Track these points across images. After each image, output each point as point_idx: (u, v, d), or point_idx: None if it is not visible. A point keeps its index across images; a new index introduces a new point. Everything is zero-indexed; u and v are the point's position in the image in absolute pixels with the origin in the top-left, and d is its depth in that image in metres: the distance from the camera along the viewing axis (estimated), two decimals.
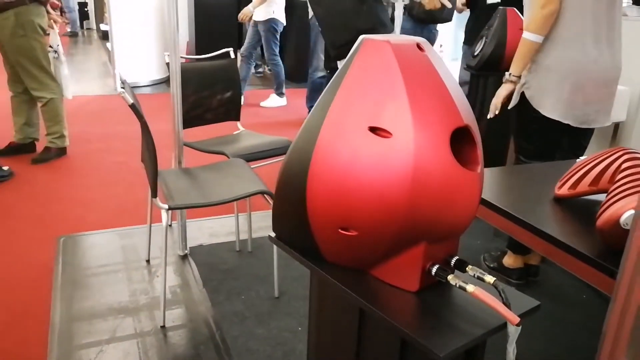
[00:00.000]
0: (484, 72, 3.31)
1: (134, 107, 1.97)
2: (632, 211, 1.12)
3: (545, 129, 2.23)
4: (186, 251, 2.76)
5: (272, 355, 2.05)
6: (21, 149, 3.93)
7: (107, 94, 6.08)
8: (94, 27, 11.44)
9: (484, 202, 1.50)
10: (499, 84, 2.40)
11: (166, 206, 2.14)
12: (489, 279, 0.84)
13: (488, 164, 3.18)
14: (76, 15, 10.73)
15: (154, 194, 2.13)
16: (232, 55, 3.08)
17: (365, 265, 0.93)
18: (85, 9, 11.34)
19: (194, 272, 2.61)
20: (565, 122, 2.17)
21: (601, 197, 1.32)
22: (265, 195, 2.25)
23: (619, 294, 0.61)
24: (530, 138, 2.32)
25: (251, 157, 2.77)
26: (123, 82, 2.33)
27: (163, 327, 2.20)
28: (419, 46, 0.85)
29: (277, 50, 5.66)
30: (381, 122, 0.80)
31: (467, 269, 0.87)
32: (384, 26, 2.99)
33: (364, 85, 0.83)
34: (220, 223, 3.10)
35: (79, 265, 2.61)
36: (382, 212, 0.81)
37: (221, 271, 2.61)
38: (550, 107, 2.18)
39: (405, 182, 0.79)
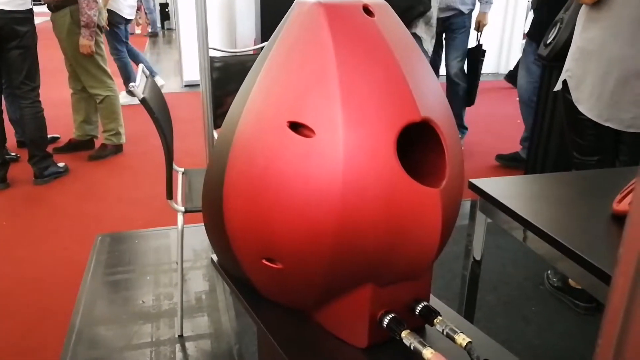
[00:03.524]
0: (558, 63, 2.92)
1: (144, 102, 1.84)
2: None
3: (594, 125, 1.88)
4: None
5: None
6: (80, 146, 3.99)
7: (173, 92, 6.14)
8: (174, 27, 11.78)
9: (517, 217, 1.21)
10: None
11: (182, 208, 2.00)
12: (461, 339, 0.58)
13: (560, 166, 2.80)
14: (156, 15, 11.07)
15: (169, 195, 1.99)
16: None
17: (305, 307, 0.71)
18: (167, 10, 11.67)
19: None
20: (605, 124, 1.81)
21: None
22: None
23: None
24: (580, 133, 1.98)
25: None
26: (147, 75, 2.22)
27: (181, 336, 2.06)
28: (367, 9, 0.61)
29: None
30: (303, 116, 0.57)
31: (435, 321, 0.62)
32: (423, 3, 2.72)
33: (289, 64, 0.61)
34: None
35: (110, 265, 2.55)
36: (307, 237, 0.58)
37: None
38: (588, 104, 1.85)
39: (332, 198, 0.56)
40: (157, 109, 1.95)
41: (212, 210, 0.70)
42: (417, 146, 0.59)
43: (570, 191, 1.38)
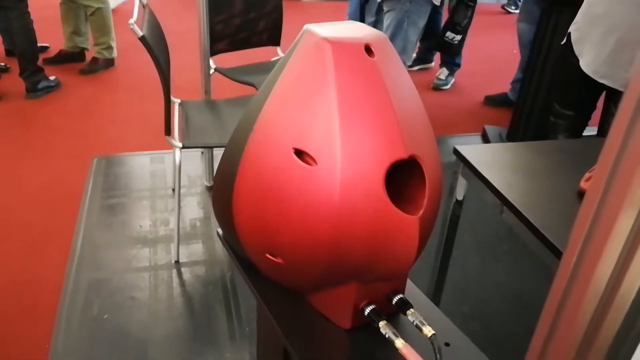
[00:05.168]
0: (557, 6, 2.92)
1: (144, 40, 1.86)
2: None
3: (585, 81, 1.97)
4: (213, 182, 2.73)
5: None
6: (71, 57, 3.95)
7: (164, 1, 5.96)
8: None
9: (492, 187, 1.33)
10: (571, 22, 2.11)
11: (180, 144, 2.08)
12: (427, 331, 0.71)
13: (544, 133, 2.85)
14: None
15: (167, 131, 2.07)
16: None
17: (300, 291, 0.83)
18: None
19: None
20: (601, 81, 1.90)
21: None
22: None
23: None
24: (568, 86, 2.12)
25: None
26: (144, 4, 2.21)
27: (177, 262, 2.22)
28: (368, 48, 0.68)
29: None
30: (307, 146, 0.66)
31: (407, 312, 0.75)
32: None
33: (296, 92, 0.68)
34: None
35: (107, 189, 2.66)
36: (306, 246, 0.69)
37: None
38: (588, 59, 1.94)
39: (330, 219, 0.66)
40: (154, 41, 1.96)
41: (223, 205, 0.80)
42: (403, 173, 0.69)
43: (547, 162, 1.49)
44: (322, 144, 0.65)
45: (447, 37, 3.66)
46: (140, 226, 2.41)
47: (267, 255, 0.75)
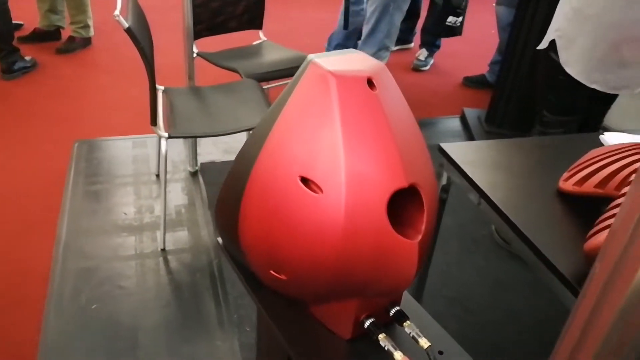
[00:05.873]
0: None
1: (130, 32, 1.84)
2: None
3: (574, 84, 1.95)
4: (197, 167, 2.74)
5: None
6: (46, 36, 3.87)
7: None
8: None
9: (476, 187, 1.38)
10: (553, 8, 2.06)
11: (166, 134, 2.08)
12: (424, 342, 0.76)
13: (523, 116, 2.88)
14: None
15: (153, 121, 2.07)
16: None
17: (303, 301, 0.87)
18: None
19: (202, 191, 2.61)
20: (592, 86, 1.90)
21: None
22: None
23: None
24: (556, 91, 2.06)
25: (266, 76, 2.63)
26: None
27: (163, 250, 2.25)
28: (370, 81, 0.71)
29: None
30: (313, 174, 0.69)
31: (404, 324, 0.80)
32: None
33: (302, 123, 0.72)
34: (235, 138, 3.02)
35: (90, 174, 2.65)
36: (310, 267, 0.73)
37: None
38: (578, 66, 1.89)
39: (334, 244, 0.70)
40: (139, 31, 1.95)
41: (228, 221, 0.83)
42: (402, 197, 0.73)
43: (528, 160, 1.54)
44: (327, 173, 0.69)
45: (450, 22, 3.69)
46: (125, 213, 2.42)
47: (272, 272, 0.79)
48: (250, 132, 2.29)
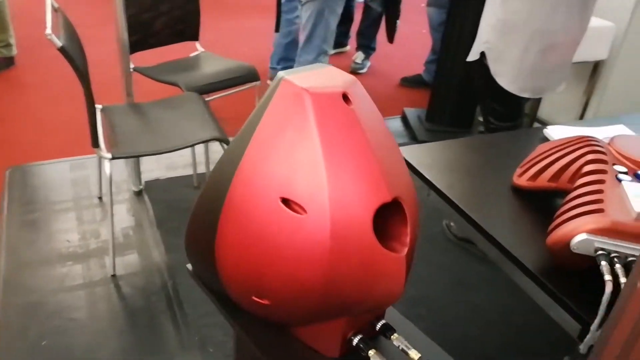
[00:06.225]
0: None
1: (64, 51, 1.75)
2: (584, 235, 1.04)
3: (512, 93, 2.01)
4: (141, 186, 2.65)
5: None
6: None
7: None
8: None
9: (436, 190, 1.40)
10: (481, 9, 2.11)
11: (109, 155, 1.99)
12: (414, 354, 0.76)
13: (462, 112, 2.97)
14: None
15: (95, 143, 1.97)
16: None
17: (284, 325, 0.85)
18: None
19: (149, 211, 2.52)
20: (523, 95, 1.94)
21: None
22: (221, 142, 2.11)
23: None
24: (500, 99, 2.05)
25: (208, 88, 2.58)
26: (56, 8, 2.08)
27: (114, 276, 2.15)
28: (345, 97, 0.70)
29: None
30: (294, 195, 0.67)
31: (392, 337, 0.79)
32: None
33: (278, 143, 0.69)
34: (179, 153, 2.91)
35: (26, 202, 2.50)
36: (296, 290, 0.71)
37: (177, 210, 2.53)
38: (509, 77, 1.93)
39: (321, 265, 0.68)
40: (73, 50, 1.85)
41: (202, 250, 0.80)
42: (384, 211, 0.72)
43: (480, 158, 1.58)
44: (310, 193, 0.67)
45: (396, 24, 3.77)
46: (69, 241, 2.30)
47: (254, 298, 0.76)
48: (194, 146, 2.24)
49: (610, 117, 1.80)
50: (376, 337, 0.84)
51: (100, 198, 2.56)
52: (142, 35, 2.60)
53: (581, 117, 3.14)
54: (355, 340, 0.79)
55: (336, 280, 0.69)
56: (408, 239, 0.72)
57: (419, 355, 0.76)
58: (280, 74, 0.72)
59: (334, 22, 3.04)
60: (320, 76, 0.73)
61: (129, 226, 2.41)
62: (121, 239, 2.33)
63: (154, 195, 2.61)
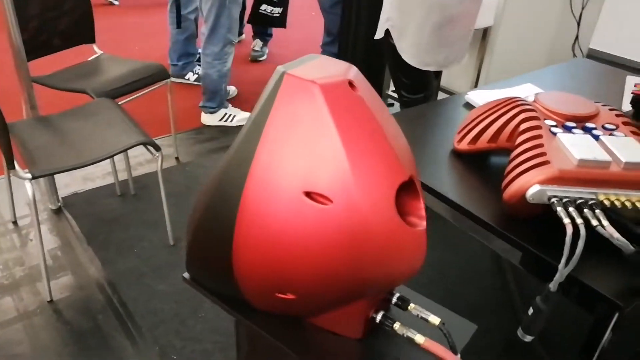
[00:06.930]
0: None
1: None
2: (537, 186, 1.15)
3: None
4: (59, 203, 2.48)
5: (179, 313, 1.99)
6: None
7: None
8: None
9: None
10: None
11: (29, 175, 1.85)
12: (434, 319, 0.81)
13: None
14: None
15: (10, 164, 1.82)
16: None
17: (302, 317, 0.87)
18: None
19: (74, 227, 2.37)
20: (426, 69, 2.05)
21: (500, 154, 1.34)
22: (147, 146, 2.03)
23: None
24: (408, 73, 2.15)
25: (119, 92, 2.45)
26: None
27: (51, 301, 2.01)
28: (351, 84, 0.72)
29: None
30: (318, 187, 0.69)
31: (409, 308, 0.84)
32: None
33: (293, 137, 0.70)
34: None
35: None
36: (323, 279, 0.73)
37: (105, 222, 2.41)
38: (410, 52, 2.03)
39: (348, 251, 0.71)
40: None
41: (217, 256, 0.79)
42: (399, 189, 0.76)
43: (417, 129, 1.66)
44: (334, 183, 0.69)
45: (263, 10, 3.71)
46: None
47: (276, 294, 0.77)
48: (121, 153, 2.14)
49: (519, 77, 1.97)
50: (389, 312, 0.88)
51: (15, 222, 2.37)
52: (31, 44, 2.40)
53: (476, 81, 3.37)
54: (379, 318, 0.83)
55: (363, 263, 0.72)
56: (423, 212, 0.76)
57: (439, 319, 0.81)
58: (279, 68, 0.73)
59: (236, 11, 3.00)
60: (318, 67, 0.74)
61: (56, 247, 2.26)
62: (51, 262, 2.18)
63: (75, 210, 2.46)
